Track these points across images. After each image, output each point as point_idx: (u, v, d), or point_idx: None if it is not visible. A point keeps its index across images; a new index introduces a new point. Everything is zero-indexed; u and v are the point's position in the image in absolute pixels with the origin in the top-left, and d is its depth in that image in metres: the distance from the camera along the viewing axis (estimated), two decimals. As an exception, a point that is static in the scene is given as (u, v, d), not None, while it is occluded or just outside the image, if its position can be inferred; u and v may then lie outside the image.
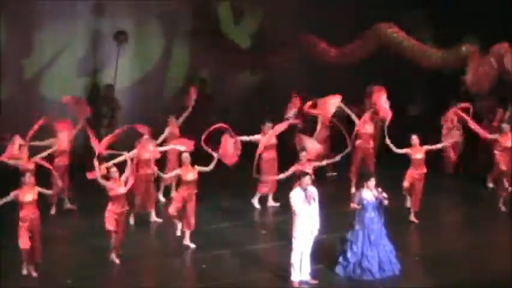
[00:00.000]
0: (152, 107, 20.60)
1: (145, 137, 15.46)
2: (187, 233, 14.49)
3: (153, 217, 15.79)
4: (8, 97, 19.57)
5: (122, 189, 13.59)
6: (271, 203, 16.82)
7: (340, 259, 13.08)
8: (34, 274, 13.20)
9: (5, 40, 19.50)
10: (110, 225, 13.49)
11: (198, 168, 14.40)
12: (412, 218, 15.75)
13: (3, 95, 19.46)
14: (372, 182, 12.90)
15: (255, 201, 16.73)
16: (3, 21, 19.44)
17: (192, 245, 14.47)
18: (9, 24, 19.57)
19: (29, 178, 13.13)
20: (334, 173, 18.96)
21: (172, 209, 14.40)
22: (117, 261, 13.66)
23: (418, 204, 15.77)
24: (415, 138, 15.70)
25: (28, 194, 13.08)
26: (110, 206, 13.56)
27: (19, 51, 19.79)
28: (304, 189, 12.52)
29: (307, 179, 12.56)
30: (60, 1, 19.80)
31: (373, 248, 12.91)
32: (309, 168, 14.59)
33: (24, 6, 19.58)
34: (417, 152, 15.64)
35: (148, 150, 15.45)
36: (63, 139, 16.19)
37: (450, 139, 16.85)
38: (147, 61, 21.20)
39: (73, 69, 20.34)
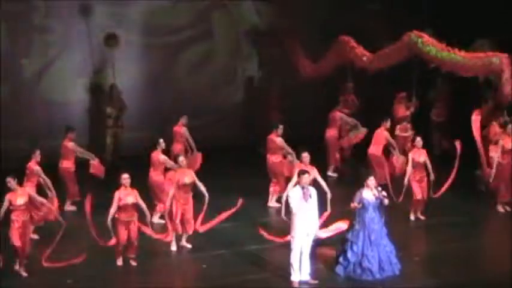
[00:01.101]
0: (157, 107, 20.66)
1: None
2: (185, 235, 14.51)
3: (156, 219, 15.81)
4: (8, 97, 19.56)
5: (130, 199, 13.47)
6: (273, 203, 16.84)
7: (341, 259, 13.09)
8: (24, 274, 13.25)
9: (5, 40, 19.51)
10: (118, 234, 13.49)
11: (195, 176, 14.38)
12: (413, 216, 15.89)
13: (3, 95, 19.44)
14: (372, 181, 12.91)
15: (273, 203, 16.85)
16: (3, 21, 19.43)
17: (189, 245, 14.49)
18: (9, 24, 19.57)
19: (13, 182, 13.10)
20: (335, 174, 19.02)
21: (170, 215, 14.33)
22: (134, 263, 13.78)
23: (422, 203, 15.92)
24: (419, 141, 15.77)
25: (20, 197, 13.10)
26: (118, 214, 13.45)
27: (19, 51, 19.81)
28: (303, 188, 12.54)
29: (306, 177, 12.59)
30: (61, 1, 19.81)
31: (374, 247, 12.90)
32: (310, 169, 14.57)
33: (24, 5, 19.59)
34: (420, 155, 15.68)
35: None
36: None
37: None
38: (150, 61, 21.22)
39: (74, 69, 20.33)
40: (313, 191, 12.66)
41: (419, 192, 15.72)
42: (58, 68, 20.18)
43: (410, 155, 15.78)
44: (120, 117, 19.72)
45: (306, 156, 14.94)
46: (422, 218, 15.95)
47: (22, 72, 19.91)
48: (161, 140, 15.73)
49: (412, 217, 15.91)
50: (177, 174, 14.37)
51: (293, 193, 12.60)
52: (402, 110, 18.98)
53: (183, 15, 21.42)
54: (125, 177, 13.48)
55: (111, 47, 19.58)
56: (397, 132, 18.74)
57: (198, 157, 17.39)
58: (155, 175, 15.64)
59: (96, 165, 16.70)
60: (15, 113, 19.45)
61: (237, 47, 22.09)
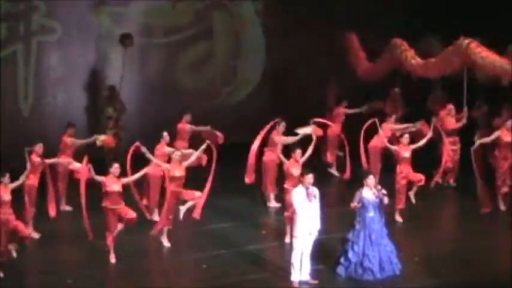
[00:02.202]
0: (157, 107, 20.65)
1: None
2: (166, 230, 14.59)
3: (156, 217, 15.82)
4: (7, 97, 19.56)
5: (116, 187, 13.65)
6: (272, 203, 16.84)
7: (342, 259, 13.07)
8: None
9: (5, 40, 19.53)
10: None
11: (184, 164, 14.49)
12: (397, 217, 15.81)
13: (3, 95, 19.43)
14: (371, 179, 12.91)
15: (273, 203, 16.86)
16: (3, 21, 19.41)
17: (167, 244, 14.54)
18: (9, 24, 19.56)
19: (7, 178, 13.26)
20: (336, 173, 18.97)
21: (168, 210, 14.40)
22: (113, 260, 13.75)
23: (404, 202, 15.86)
24: (406, 137, 15.84)
25: (5, 193, 13.21)
26: (104, 202, 13.66)
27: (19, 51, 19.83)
28: (307, 188, 12.54)
29: (310, 177, 12.58)
30: (61, 1, 19.81)
31: (375, 247, 12.89)
32: (298, 168, 14.48)
33: (24, 5, 19.59)
34: (405, 150, 15.71)
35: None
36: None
37: None
38: (150, 61, 21.21)
39: (74, 69, 20.32)
40: (317, 192, 12.66)
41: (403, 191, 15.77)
42: (58, 68, 20.19)
43: (395, 149, 15.82)
44: (120, 118, 19.70)
45: (299, 152, 14.81)
46: (400, 220, 15.89)
47: (22, 73, 19.91)
48: (165, 133, 15.80)
49: (398, 218, 15.85)
50: (170, 166, 14.48)
51: (297, 192, 12.60)
52: (452, 123, 17.72)
53: (183, 15, 21.43)
54: (116, 167, 13.72)
55: (126, 47, 19.63)
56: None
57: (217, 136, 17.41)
58: (153, 167, 15.60)
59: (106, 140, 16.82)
60: (14, 113, 19.49)
61: (237, 47, 22.10)
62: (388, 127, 17.41)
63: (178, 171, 14.42)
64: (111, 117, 19.61)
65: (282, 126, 16.63)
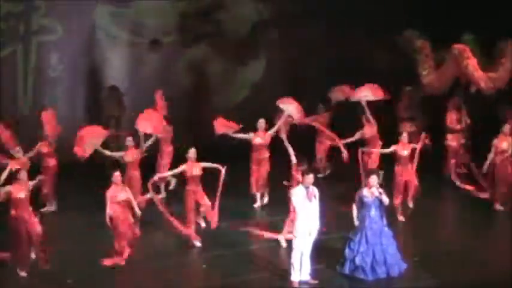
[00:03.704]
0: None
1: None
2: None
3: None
4: (7, 97, 19.59)
5: (123, 195, 13.63)
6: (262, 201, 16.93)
7: (341, 258, 13.10)
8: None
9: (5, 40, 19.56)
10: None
11: (202, 164, 14.58)
12: (400, 216, 15.84)
13: (3, 94, 19.47)
14: (373, 179, 12.90)
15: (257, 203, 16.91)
16: (3, 21, 19.43)
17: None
18: (9, 24, 19.58)
19: (23, 175, 13.25)
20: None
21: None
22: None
23: (401, 199, 15.91)
24: (405, 136, 15.84)
25: (21, 191, 13.17)
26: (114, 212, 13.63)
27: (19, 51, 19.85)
28: (306, 187, 12.55)
29: (310, 177, 12.58)
30: (61, 1, 19.82)
31: (370, 247, 12.89)
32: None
33: (24, 5, 19.61)
34: (404, 148, 15.74)
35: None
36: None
37: None
38: (150, 61, 21.23)
39: (74, 69, 20.34)
40: (316, 191, 12.66)
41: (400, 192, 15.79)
42: (58, 67, 20.21)
43: (393, 148, 15.85)
44: (121, 119, 19.72)
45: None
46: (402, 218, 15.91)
47: (21, 73, 19.93)
48: (129, 138, 15.79)
49: (401, 218, 15.87)
50: (187, 166, 14.55)
51: (297, 192, 12.61)
52: None
53: (183, 15, 21.44)
54: (116, 175, 13.67)
55: (156, 52, 19.67)
56: None
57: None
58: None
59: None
60: (14, 113, 19.50)
61: (237, 46, 22.11)
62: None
63: (197, 170, 14.53)
64: (114, 116, 19.62)
65: (261, 124, 16.72)
